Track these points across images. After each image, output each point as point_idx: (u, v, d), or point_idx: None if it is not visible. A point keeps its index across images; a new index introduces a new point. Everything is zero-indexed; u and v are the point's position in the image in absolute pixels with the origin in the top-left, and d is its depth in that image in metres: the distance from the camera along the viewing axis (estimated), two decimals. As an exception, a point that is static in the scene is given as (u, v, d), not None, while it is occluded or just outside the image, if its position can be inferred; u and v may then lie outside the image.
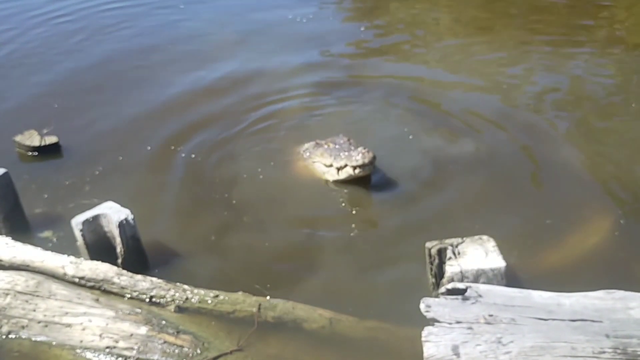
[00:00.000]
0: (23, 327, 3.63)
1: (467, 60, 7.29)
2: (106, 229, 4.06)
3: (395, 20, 8.92)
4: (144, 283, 3.84)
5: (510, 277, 3.51)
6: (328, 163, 5.01)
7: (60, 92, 6.80)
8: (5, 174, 4.43)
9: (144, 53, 7.84)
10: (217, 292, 3.78)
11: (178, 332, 3.52)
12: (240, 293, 3.79)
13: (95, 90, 6.83)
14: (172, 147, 5.62)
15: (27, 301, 3.69)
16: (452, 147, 5.45)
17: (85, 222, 3.99)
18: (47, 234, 4.53)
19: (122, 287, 3.82)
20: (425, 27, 8.63)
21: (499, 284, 3.34)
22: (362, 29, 8.57)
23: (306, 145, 5.35)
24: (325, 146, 5.16)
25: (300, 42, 7.95)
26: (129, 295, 3.80)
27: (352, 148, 4.98)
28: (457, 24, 8.64)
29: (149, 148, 5.63)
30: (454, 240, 3.60)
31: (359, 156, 4.79)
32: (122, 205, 4.08)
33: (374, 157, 4.81)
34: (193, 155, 5.49)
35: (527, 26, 8.32)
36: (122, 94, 6.74)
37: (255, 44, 7.94)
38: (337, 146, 5.09)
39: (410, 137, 5.65)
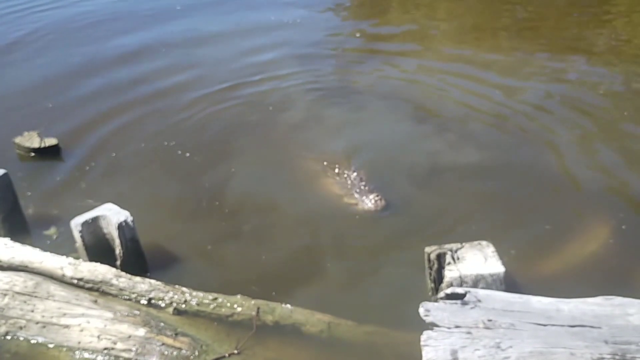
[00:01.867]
0: (21, 328, 3.62)
1: (465, 66, 7.31)
2: (105, 230, 4.06)
3: (391, 26, 8.95)
4: (142, 285, 3.83)
5: (509, 283, 3.51)
6: (337, 194, 4.95)
7: (55, 91, 6.86)
8: (4, 175, 4.44)
9: (135, 53, 7.93)
10: (215, 295, 3.78)
11: (176, 335, 3.52)
12: (239, 296, 3.78)
13: (91, 88, 6.90)
14: (165, 143, 5.71)
15: (25, 302, 3.69)
16: (450, 153, 5.46)
17: (85, 224, 3.99)
18: (45, 234, 4.54)
19: (121, 289, 3.81)
20: (423, 33, 8.65)
21: (497, 289, 3.35)
22: (358, 35, 8.60)
23: (312, 168, 5.33)
24: (336, 178, 5.09)
25: (294, 45, 8.03)
26: (127, 297, 3.80)
27: (363, 187, 4.89)
28: (456, 31, 8.66)
29: (142, 145, 5.71)
30: (453, 246, 3.61)
31: (371, 204, 4.69)
32: (122, 207, 4.08)
33: (386, 206, 4.70)
34: (188, 154, 5.55)
35: (526, 34, 8.35)
36: (116, 93, 6.80)
37: (247, 46, 8.01)
38: (347, 181, 5.01)
39: (408, 142, 5.67)
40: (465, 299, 2.97)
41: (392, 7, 9.77)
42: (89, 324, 3.58)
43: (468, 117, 6.08)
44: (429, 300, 2.99)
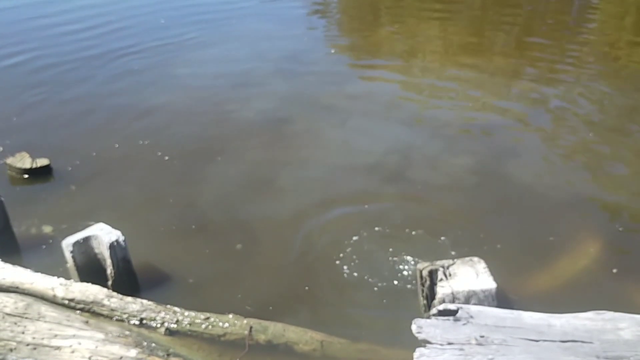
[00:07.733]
0: (11, 350, 3.57)
1: (454, 82, 7.40)
2: (97, 250, 4.05)
3: (374, 43, 9.04)
4: (134, 305, 3.81)
5: (501, 298, 3.53)
6: None
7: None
8: (-4, 195, 4.43)
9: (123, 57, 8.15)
10: (208, 314, 3.76)
11: (168, 355, 3.48)
12: (231, 315, 3.77)
13: (78, 105, 6.97)
14: (159, 153, 5.80)
15: (15, 323, 3.64)
16: (442, 168, 5.50)
17: (76, 244, 3.98)
18: (37, 255, 4.51)
19: (112, 309, 3.79)
20: (408, 49, 8.74)
21: (489, 305, 3.35)
22: (332, 51, 8.68)
23: None
24: None
25: (279, 58, 8.15)
26: (119, 318, 3.77)
27: None
28: (444, 47, 8.76)
29: (133, 159, 5.77)
30: (445, 262, 3.62)
31: None
32: (113, 227, 4.07)
33: None
34: (182, 165, 5.60)
35: (513, 52, 8.48)
36: (102, 108, 6.88)
37: (233, 60, 8.12)
38: None
39: (398, 157, 5.71)
40: (458, 315, 2.97)
41: (378, 23, 9.88)
42: (80, 345, 3.54)
43: (456, 132, 6.15)
44: (422, 317, 3.00)
